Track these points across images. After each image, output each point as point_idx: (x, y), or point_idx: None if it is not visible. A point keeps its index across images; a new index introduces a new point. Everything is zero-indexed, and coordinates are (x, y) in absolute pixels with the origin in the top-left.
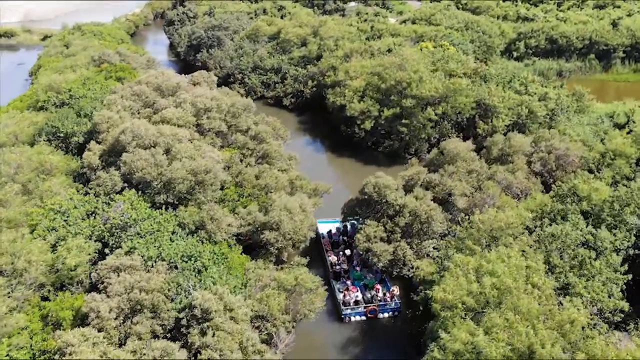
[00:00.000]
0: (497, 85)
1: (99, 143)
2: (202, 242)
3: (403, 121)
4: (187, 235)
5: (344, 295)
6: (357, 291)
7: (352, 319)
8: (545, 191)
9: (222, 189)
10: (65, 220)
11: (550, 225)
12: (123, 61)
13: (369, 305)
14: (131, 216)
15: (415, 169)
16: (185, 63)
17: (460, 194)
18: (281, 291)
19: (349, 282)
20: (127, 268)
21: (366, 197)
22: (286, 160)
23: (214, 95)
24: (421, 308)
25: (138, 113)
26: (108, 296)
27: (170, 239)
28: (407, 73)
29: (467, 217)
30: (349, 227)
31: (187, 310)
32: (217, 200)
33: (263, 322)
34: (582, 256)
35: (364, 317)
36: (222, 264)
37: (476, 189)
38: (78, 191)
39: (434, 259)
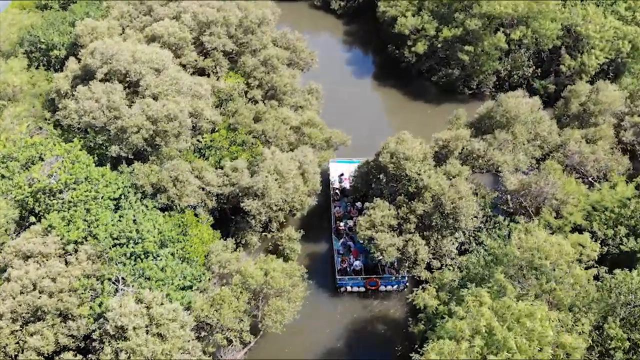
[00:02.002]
0: (598, 7)
1: (80, 60)
2: (162, 211)
3: (466, 47)
4: (139, 201)
5: (342, 261)
6: (360, 257)
7: (349, 289)
8: (634, 174)
9: (213, 131)
10: None
11: (627, 239)
12: None
13: (370, 277)
14: (60, 179)
15: (451, 133)
16: None
17: (511, 170)
18: (244, 290)
19: (351, 244)
20: (38, 255)
21: (381, 166)
22: (304, 94)
23: (221, 4)
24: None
25: (131, 22)
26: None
27: (117, 207)
28: None
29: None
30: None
31: (101, 320)
32: (201, 147)
33: (210, 333)
34: None
35: (362, 289)
36: (178, 244)
37: (539, 160)
38: (47, 122)
39: (451, 268)
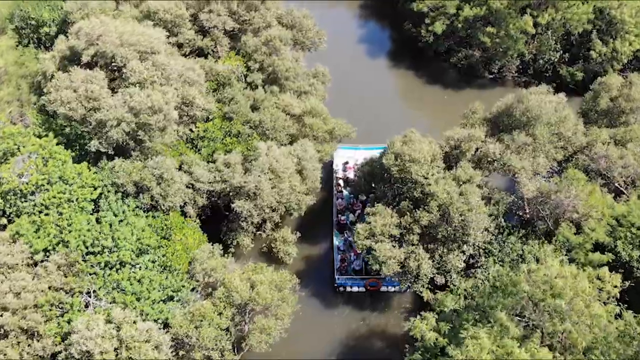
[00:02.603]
0: None
1: (69, 39)
2: (145, 211)
3: (488, 28)
4: (121, 201)
5: (342, 260)
6: (361, 255)
7: (348, 289)
8: None
9: (207, 120)
10: None
11: None
12: None
13: (370, 277)
14: (31, 180)
15: (464, 132)
16: None
17: (529, 176)
18: (228, 305)
19: (352, 239)
20: (3, 266)
21: (384, 168)
22: (308, 78)
23: None
24: None
25: (124, 1)
26: None
27: (96, 209)
28: None
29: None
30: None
31: (67, 341)
32: (193, 138)
33: (189, 351)
34: None
35: (362, 289)
36: (159, 250)
37: (561, 162)
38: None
39: (456, 287)
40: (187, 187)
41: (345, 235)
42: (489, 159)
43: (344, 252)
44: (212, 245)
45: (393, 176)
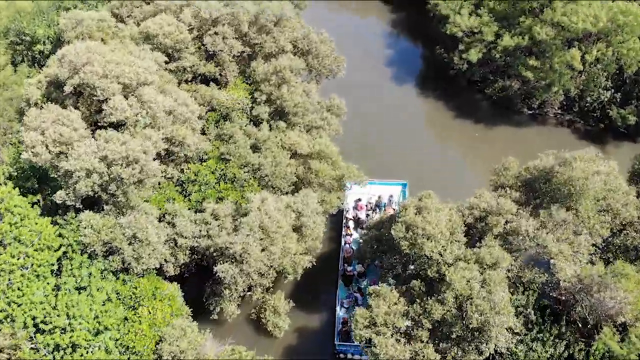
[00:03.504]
0: None
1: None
2: (116, 273)
3: (530, 61)
4: (86, 263)
5: (343, 322)
6: None
7: (349, 356)
8: None
9: (201, 160)
10: None
11: None
12: None
13: None
14: None
15: (492, 201)
16: None
17: (567, 260)
18: None
19: (359, 295)
20: None
21: (393, 241)
22: (322, 112)
23: None
24: None
25: (132, 12)
26: None
27: (57, 271)
28: None
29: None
30: (386, 200)
31: None
32: (183, 180)
33: None
34: None
35: (364, 357)
36: (123, 326)
37: (606, 239)
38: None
39: None
40: (167, 241)
41: (351, 290)
42: (520, 237)
43: (347, 309)
44: (190, 310)
45: (403, 252)
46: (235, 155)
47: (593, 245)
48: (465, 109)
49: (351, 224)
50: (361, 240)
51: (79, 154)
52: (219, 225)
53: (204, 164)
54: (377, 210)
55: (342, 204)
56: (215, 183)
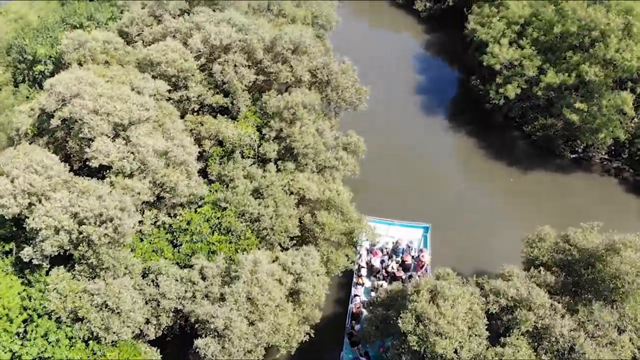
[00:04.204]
0: None
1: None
2: (86, 342)
3: (576, 103)
4: (52, 328)
5: None
6: None
7: None
8: None
9: (197, 206)
10: None
11: None
12: None
13: None
14: None
15: (522, 289)
16: None
17: None
18: None
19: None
20: None
21: (401, 331)
22: (337, 149)
23: (243, 22)
24: None
25: (142, 31)
26: None
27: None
28: (604, 14)
29: None
30: (404, 244)
31: None
32: (174, 229)
33: None
34: None
35: None
36: None
37: None
38: None
39: None
40: (149, 301)
41: (358, 353)
42: (553, 338)
43: None
44: None
45: (411, 348)
46: (232, 203)
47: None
48: (500, 147)
49: (363, 271)
50: (365, 321)
51: (46, 209)
52: (206, 287)
53: (200, 209)
54: (394, 256)
55: (353, 263)
56: (209, 233)
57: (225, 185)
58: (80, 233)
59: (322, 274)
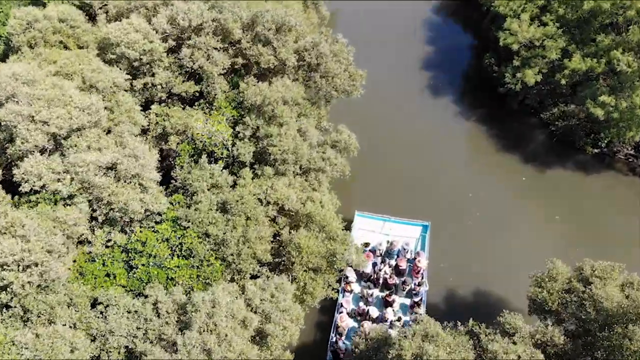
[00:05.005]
0: None
1: None
2: None
3: (602, 97)
4: None
5: None
6: None
7: None
8: None
9: (157, 222)
10: None
11: None
12: None
13: None
14: None
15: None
16: None
17: None
18: None
19: None
20: None
21: None
22: (325, 148)
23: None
24: None
25: (100, 10)
26: None
27: None
28: None
29: None
30: (399, 246)
31: None
32: (129, 248)
33: None
34: None
35: None
36: None
37: None
38: None
39: None
40: (96, 338)
41: None
42: None
43: None
44: None
45: None
46: (194, 222)
47: None
48: (513, 138)
49: (352, 274)
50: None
51: None
52: (161, 326)
53: (158, 226)
54: (387, 260)
55: (335, 291)
56: (168, 257)
57: (189, 197)
58: (2, 279)
59: (295, 310)
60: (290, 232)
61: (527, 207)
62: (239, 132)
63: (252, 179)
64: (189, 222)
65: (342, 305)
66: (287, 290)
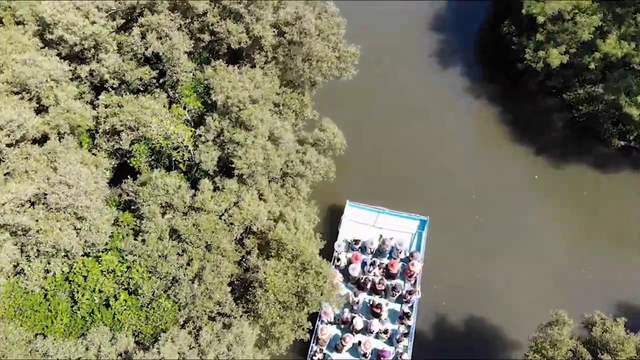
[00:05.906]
0: None
1: None
2: None
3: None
4: None
5: None
6: None
7: None
8: None
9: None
10: None
11: None
12: None
13: None
14: None
15: None
16: None
17: None
18: None
19: None
20: None
21: None
22: (306, 148)
23: None
24: None
25: None
26: None
27: None
28: None
29: None
30: (395, 246)
31: None
32: (71, 279)
33: None
34: None
35: None
36: None
37: None
38: None
39: None
40: None
41: None
42: None
43: None
44: None
45: None
46: (142, 256)
47: None
48: (529, 123)
49: (338, 274)
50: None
51: None
52: None
53: (103, 256)
54: (377, 259)
55: (307, 331)
56: (114, 293)
57: (139, 217)
58: None
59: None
60: (259, 256)
61: (535, 208)
62: (200, 135)
63: (214, 190)
64: (134, 255)
65: (324, 313)
66: (246, 340)
